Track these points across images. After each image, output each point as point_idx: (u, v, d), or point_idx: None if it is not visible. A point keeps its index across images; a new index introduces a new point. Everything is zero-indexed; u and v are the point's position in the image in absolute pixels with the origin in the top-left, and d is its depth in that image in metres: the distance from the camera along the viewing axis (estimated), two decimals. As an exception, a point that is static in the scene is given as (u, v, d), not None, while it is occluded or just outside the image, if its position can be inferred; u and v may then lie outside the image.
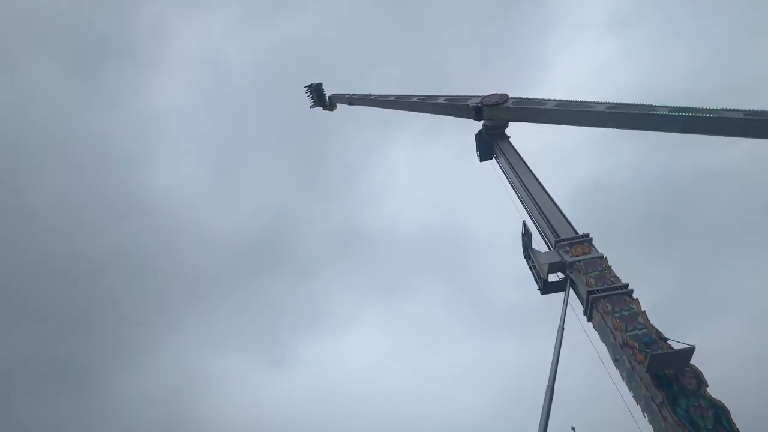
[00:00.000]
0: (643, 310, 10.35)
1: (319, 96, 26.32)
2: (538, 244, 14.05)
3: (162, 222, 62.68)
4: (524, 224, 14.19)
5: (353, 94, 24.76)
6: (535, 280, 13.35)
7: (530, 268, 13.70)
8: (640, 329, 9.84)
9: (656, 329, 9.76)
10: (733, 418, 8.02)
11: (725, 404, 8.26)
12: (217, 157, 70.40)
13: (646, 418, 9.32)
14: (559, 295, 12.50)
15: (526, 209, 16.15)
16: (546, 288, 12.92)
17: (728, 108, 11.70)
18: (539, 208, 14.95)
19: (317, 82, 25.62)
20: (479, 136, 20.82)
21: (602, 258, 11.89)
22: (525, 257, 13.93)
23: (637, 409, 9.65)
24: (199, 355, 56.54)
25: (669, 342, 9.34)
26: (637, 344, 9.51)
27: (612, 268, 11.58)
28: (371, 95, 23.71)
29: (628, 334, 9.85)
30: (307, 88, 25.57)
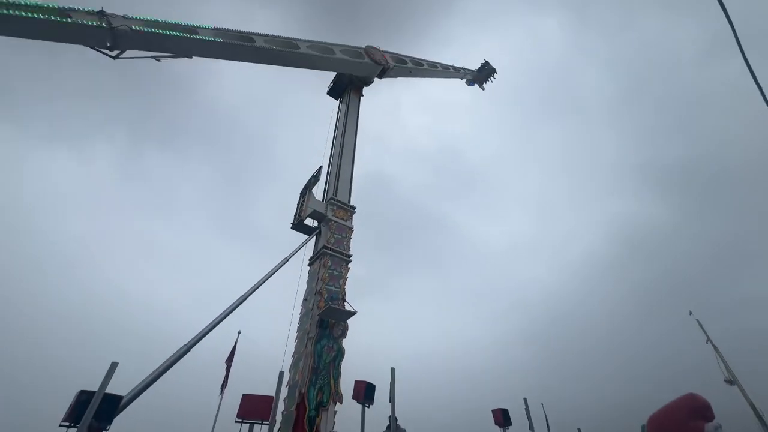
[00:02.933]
0: (347, 277, 13.05)
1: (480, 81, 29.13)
2: (318, 190, 15.17)
3: None
4: (320, 169, 14.98)
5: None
6: (295, 215, 14.37)
7: (298, 204, 14.62)
8: (336, 287, 12.37)
9: (344, 292, 12.54)
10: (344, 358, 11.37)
11: (344, 350, 11.62)
12: None
13: (295, 343, 11.86)
14: (302, 236, 13.99)
15: (329, 159, 17.11)
16: (297, 226, 14.12)
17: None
18: (339, 165, 16.18)
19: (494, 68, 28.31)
20: (339, 75, 20.44)
21: (351, 229, 14.17)
22: (301, 193, 14.72)
23: (293, 336, 12.12)
24: None
25: (345, 303, 12.20)
26: (326, 295, 11.93)
27: (351, 240, 13.99)
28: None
29: (326, 286, 12.19)
30: (485, 63, 27.99)
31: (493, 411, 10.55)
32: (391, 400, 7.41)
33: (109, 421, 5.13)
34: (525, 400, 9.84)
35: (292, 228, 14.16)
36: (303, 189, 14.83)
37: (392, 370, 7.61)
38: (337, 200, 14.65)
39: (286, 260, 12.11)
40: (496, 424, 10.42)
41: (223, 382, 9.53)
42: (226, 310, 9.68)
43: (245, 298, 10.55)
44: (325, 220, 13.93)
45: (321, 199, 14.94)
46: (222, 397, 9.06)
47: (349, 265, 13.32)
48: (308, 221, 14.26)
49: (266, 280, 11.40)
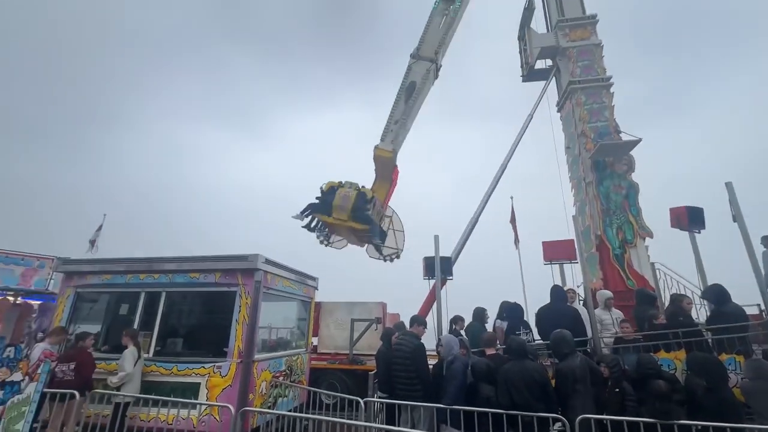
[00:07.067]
0: (612, 105, 10.62)
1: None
2: (538, 22, 12.52)
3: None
4: (531, -6, 12.14)
5: None
6: (521, 66, 12.70)
7: (520, 51, 12.73)
8: (602, 122, 10.41)
9: (615, 122, 10.37)
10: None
11: (638, 185, 9.97)
12: None
13: (572, 192, 11.29)
14: (538, 86, 12.27)
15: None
16: (529, 75, 12.48)
17: None
18: (554, -25, 12.42)
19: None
20: None
21: (598, 45, 11.07)
22: (519, 38, 12.68)
23: (567, 187, 11.55)
24: (172, 125, 56.07)
25: (621, 134, 10.14)
26: (592, 135, 10.30)
27: (603, 58, 11.01)
28: None
29: (588, 125, 10.46)
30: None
31: None
32: (736, 218, 5.78)
33: (450, 273, 6.87)
34: None
35: (524, 81, 12.69)
36: (519, 31, 12.68)
37: (728, 184, 5.82)
38: (566, 20, 11.60)
39: (530, 116, 11.19)
40: None
41: (515, 238, 10.59)
42: (492, 181, 10.31)
43: (505, 166, 10.77)
44: (560, 52, 11.50)
45: (547, 31, 12.31)
46: (519, 249, 10.14)
47: (612, 90, 10.71)
48: (539, 64, 12.29)
49: (518, 142, 11.07)
